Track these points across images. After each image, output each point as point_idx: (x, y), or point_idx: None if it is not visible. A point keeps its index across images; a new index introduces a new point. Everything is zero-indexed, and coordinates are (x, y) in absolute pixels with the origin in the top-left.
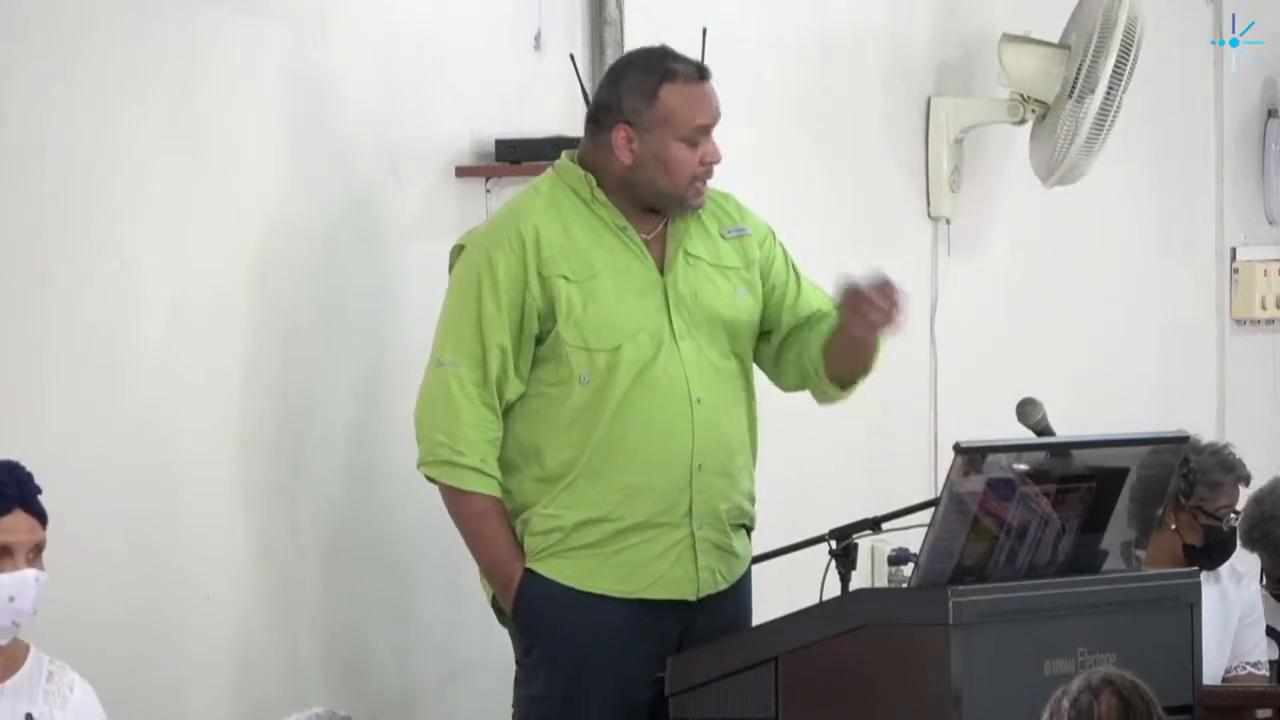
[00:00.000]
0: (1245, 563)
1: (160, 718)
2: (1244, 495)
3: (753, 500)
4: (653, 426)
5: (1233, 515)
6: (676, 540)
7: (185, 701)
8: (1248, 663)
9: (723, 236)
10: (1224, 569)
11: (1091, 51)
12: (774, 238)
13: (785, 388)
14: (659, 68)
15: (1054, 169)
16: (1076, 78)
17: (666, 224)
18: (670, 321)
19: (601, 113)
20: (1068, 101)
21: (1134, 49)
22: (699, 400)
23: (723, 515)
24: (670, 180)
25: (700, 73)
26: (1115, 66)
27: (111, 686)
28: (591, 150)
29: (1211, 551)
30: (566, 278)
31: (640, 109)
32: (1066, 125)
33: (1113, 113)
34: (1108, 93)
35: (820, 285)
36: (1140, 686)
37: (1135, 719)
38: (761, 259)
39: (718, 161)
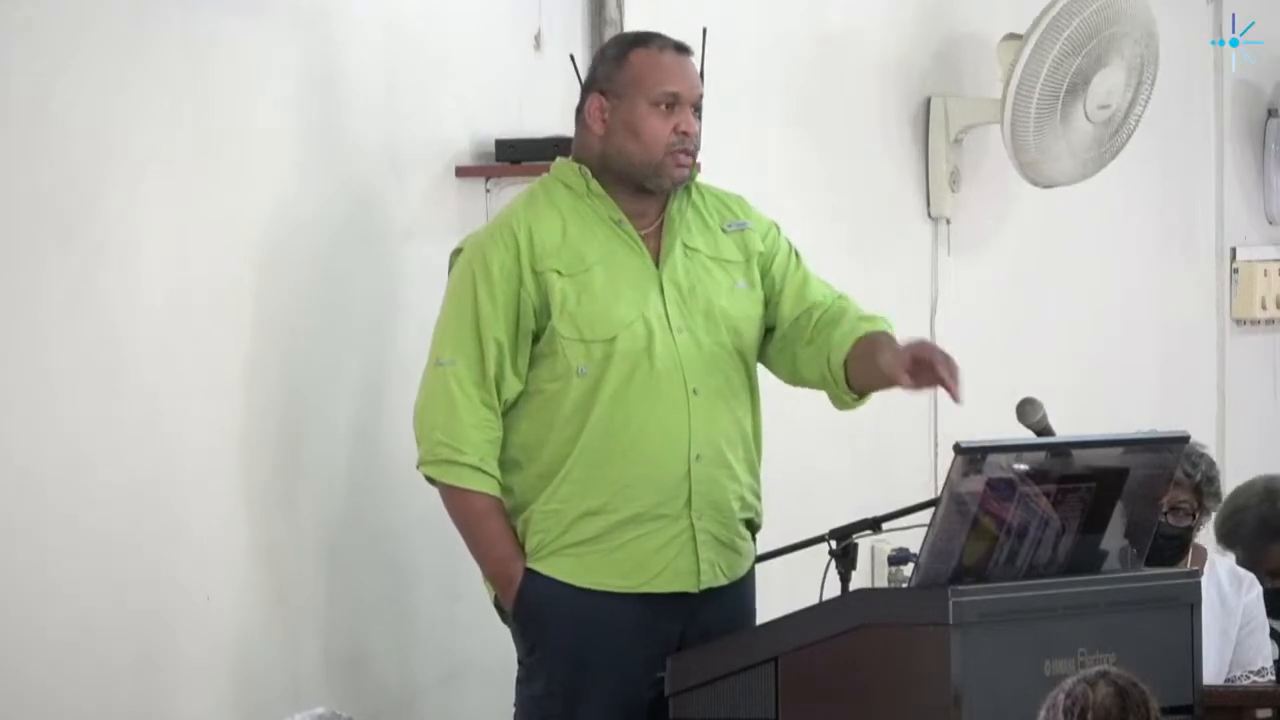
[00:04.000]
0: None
1: (160, 718)
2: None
3: (758, 496)
4: (649, 416)
5: (1175, 514)
6: (677, 533)
7: (186, 702)
8: (1251, 671)
9: (724, 230)
10: (1224, 573)
11: (1028, 49)
12: (778, 231)
13: (798, 383)
14: (633, 37)
15: (1020, 167)
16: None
17: (664, 218)
18: (666, 313)
19: (582, 94)
20: (1008, 100)
21: (1063, 43)
22: (696, 391)
23: (723, 508)
24: (642, 147)
25: (679, 47)
26: (1051, 65)
27: (112, 687)
28: (577, 136)
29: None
30: (559, 272)
31: (611, 75)
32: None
33: (1055, 110)
34: (1043, 90)
35: (826, 282)
36: (1136, 681)
37: (1131, 707)
38: (763, 251)
39: (692, 133)
